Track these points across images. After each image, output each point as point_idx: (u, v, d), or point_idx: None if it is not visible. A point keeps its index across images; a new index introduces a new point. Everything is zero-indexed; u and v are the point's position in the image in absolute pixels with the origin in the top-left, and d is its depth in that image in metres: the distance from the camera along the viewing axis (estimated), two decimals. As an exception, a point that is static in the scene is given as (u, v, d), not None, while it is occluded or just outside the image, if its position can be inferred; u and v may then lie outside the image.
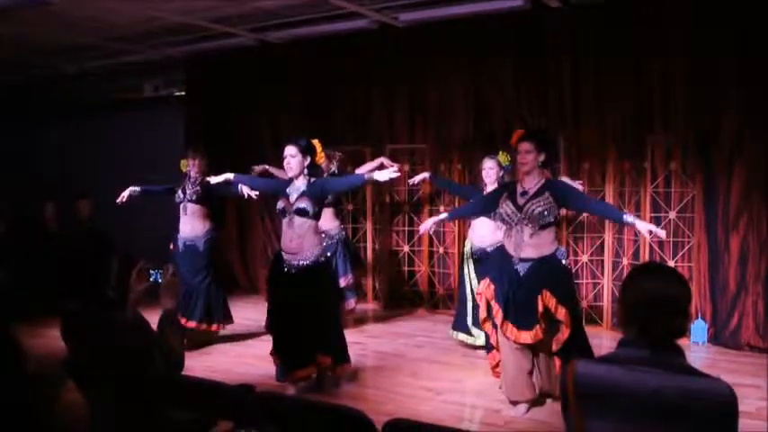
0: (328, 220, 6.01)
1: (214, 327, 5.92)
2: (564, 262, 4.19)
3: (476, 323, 5.50)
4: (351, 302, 6.34)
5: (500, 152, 5.48)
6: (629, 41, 6.07)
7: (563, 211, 6.00)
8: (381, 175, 4.41)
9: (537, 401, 4.25)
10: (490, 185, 5.45)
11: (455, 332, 5.77)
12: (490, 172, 5.42)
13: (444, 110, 7.19)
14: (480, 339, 5.49)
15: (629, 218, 4.11)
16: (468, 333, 5.62)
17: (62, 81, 9.54)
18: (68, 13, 6.40)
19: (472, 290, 5.54)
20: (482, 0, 6.19)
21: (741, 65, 5.60)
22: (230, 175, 5.08)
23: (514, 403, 4.23)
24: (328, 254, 4.84)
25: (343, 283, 6.08)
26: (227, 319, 6.04)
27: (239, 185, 5.20)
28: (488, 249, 5.45)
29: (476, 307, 5.49)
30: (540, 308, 4.00)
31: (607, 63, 6.22)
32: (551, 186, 4.14)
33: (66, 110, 10.02)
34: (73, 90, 9.77)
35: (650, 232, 4.02)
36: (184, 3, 6.31)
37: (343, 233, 6.35)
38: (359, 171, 6.13)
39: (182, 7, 6.47)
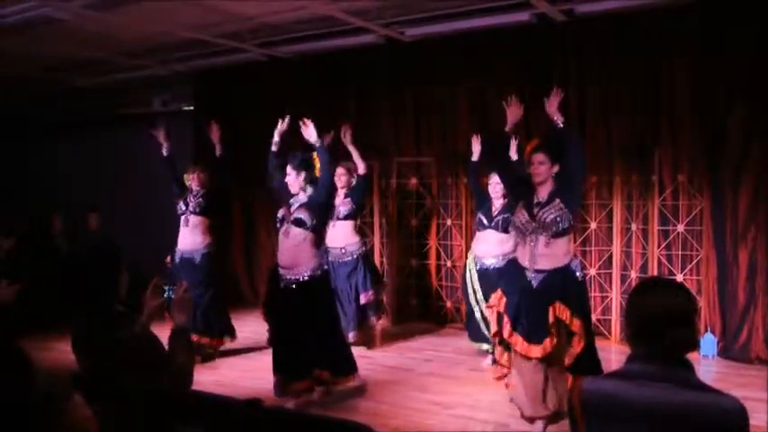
0: (348, 235, 5.99)
1: (215, 341, 5.93)
2: (578, 274, 4.12)
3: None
4: (372, 320, 6.19)
5: None
6: (634, 54, 6.08)
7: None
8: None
9: (553, 419, 4.16)
10: (497, 200, 5.47)
11: (475, 343, 5.74)
12: (497, 187, 5.43)
13: (451, 124, 7.21)
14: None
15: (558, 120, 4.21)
16: (486, 341, 5.59)
17: (71, 95, 9.62)
18: (79, 29, 6.47)
19: (477, 300, 5.54)
20: (488, 15, 6.22)
21: (747, 68, 5.59)
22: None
23: (531, 420, 4.17)
24: (325, 267, 4.76)
25: (363, 299, 6.00)
26: (230, 333, 6.04)
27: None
28: (491, 263, 5.45)
29: (486, 318, 5.50)
30: (552, 319, 3.96)
31: (613, 76, 6.23)
32: (559, 190, 4.10)
33: (76, 124, 10.10)
34: (82, 104, 9.85)
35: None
36: (193, 18, 6.38)
37: (364, 249, 6.21)
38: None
39: (190, 23, 6.54)
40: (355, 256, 6.02)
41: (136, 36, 6.95)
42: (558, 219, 4.02)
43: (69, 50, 7.43)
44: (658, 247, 6.02)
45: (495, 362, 4.52)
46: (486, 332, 5.56)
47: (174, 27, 6.63)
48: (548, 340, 3.97)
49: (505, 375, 4.30)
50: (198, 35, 6.93)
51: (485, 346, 5.62)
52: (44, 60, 7.90)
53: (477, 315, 5.59)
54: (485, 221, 5.54)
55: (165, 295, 2.63)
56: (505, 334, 4.13)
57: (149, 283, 2.58)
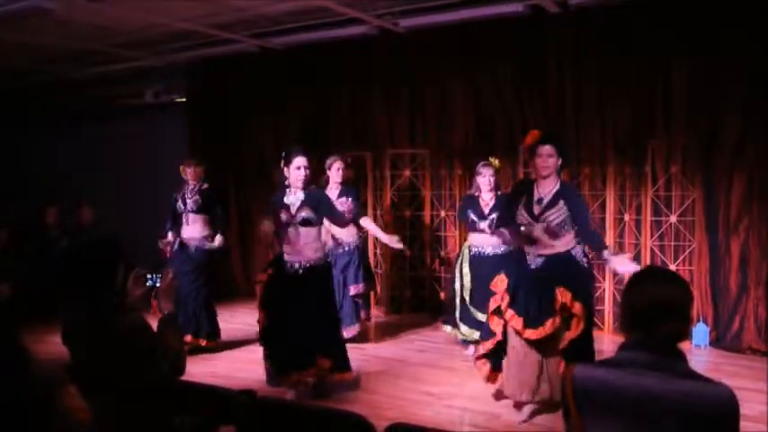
0: (345, 228, 5.90)
1: (188, 338, 5.80)
2: (582, 260, 4.09)
3: (462, 319, 5.57)
4: (362, 314, 6.11)
5: (491, 158, 5.52)
6: (628, 45, 6.08)
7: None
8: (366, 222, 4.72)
9: (546, 409, 4.17)
10: (485, 194, 5.47)
11: (446, 326, 5.84)
12: (487, 179, 5.42)
13: (445, 115, 7.21)
14: (462, 335, 5.58)
15: (605, 253, 3.95)
16: (455, 326, 5.66)
17: (63, 87, 9.57)
18: (70, 20, 6.42)
19: (462, 286, 5.58)
20: (482, 5, 6.20)
21: (742, 66, 5.61)
22: None
23: (518, 406, 4.19)
24: (329, 259, 4.83)
25: (352, 291, 5.95)
26: (212, 334, 5.98)
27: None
28: (487, 250, 5.48)
29: (462, 303, 5.58)
30: (558, 305, 3.94)
31: (607, 67, 6.23)
32: (564, 193, 4.05)
33: (68, 116, 10.05)
34: (74, 96, 9.80)
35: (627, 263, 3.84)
36: (186, 9, 6.33)
37: (360, 242, 6.15)
38: (364, 221, 5.69)
39: (183, 14, 6.49)
40: (351, 248, 5.99)
41: (127, 27, 6.89)
42: (564, 223, 3.99)
43: (59, 42, 7.37)
44: (651, 237, 6.04)
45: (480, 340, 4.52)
46: (458, 317, 5.60)
47: (166, 17, 6.58)
48: (549, 321, 3.93)
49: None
50: (190, 26, 6.89)
51: (456, 333, 5.69)
52: (34, 52, 7.84)
53: (457, 300, 5.61)
54: (477, 222, 5.55)
55: (149, 283, 2.63)
56: (506, 314, 4.11)
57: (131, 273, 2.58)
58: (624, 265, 3.80)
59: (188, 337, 5.76)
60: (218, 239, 5.91)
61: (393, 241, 4.90)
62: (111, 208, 8.55)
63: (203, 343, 5.88)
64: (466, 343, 5.67)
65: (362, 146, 7.51)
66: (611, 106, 6.27)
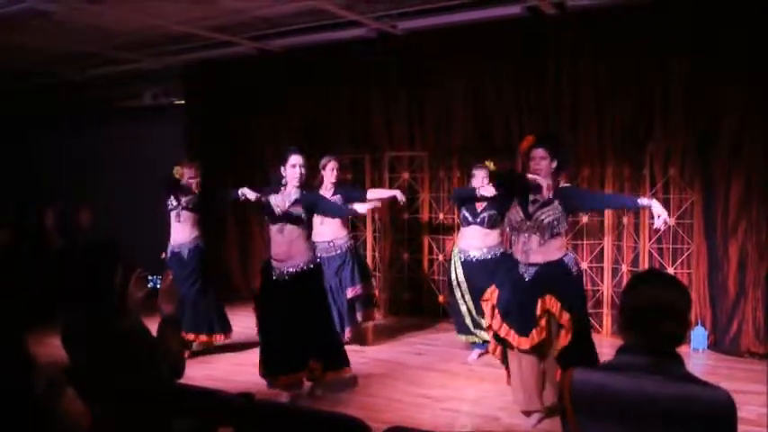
0: (336, 229, 5.90)
1: (203, 337, 5.90)
2: (573, 269, 4.07)
3: (477, 326, 5.53)
4: (358, 315, 6.06)
5: (486, 161, 5.53)
6: (626, 47, 6.09)
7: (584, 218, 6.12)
8: (361, 207, 4.71)
9: (550, 413, 4.13)
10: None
11: (461, 336, 5.76)
12: (484, 181, 5.43)
13: (443, 117, 7.22)
14: (485, 336, 5.54)
15: (643, 201, 4.08)
16: (471, 334, 5.63)
17: (62, 89, 9.57)
18: (70, 22, 6.43)
19: (462, 294, 5.55)
20: (480, 8, 6.22)
21: (740, 68, 5.61)
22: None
23: (526, 414, 4.17)
24: (318, 260, 4.80)
25: (350, 294, 5.90)
26: (222, 329, 6.01)
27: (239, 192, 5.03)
28: (474, 255, 5.48)
29: (470, 311, 5.54)
30: (539, 311, 3.93)
31: (605, 69, 6.24)
32: (561, 193, 4.06)
33: (66, 117, 10.05)
34: (72, 98, 9.80)
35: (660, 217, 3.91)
36: (184, 12, 6.34)
37: (352, 242, 6.12)
38: (371, 193, 5.99)
39: (182, 16, 6.50)
40: (343, 250, 5.93)
41: (126, 29, 6.90)
42: (556, 222, 3.99)
43: (58, 43, 7.38)
44: (649, 240, 6.05)
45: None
46: (471, 325, 5.59)
47: (165, 20, 6.59)
48: (535, 331, 3.95)
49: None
50: (188, 28, 6.89)
51: (471, 339, 5.65)
52: (33, 53, 7.84)
53: (464, 308, 5.60)
54: (469, 218, 5.54)
55: (150, 285, 2.64)
56: (495, 326, 4.13)
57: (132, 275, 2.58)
58: (661, 208, 3.92)
59: (192, 336, 5.83)
60: (252, 196, 5.60)
61: (399, 194, 5.76)
62: (109, 209, 8.55)
63: (203, 338, 5.91)
64: (478, 345, 5.64)
65: (361, 148, 7.52)
66: (609, 107, 6.28)
